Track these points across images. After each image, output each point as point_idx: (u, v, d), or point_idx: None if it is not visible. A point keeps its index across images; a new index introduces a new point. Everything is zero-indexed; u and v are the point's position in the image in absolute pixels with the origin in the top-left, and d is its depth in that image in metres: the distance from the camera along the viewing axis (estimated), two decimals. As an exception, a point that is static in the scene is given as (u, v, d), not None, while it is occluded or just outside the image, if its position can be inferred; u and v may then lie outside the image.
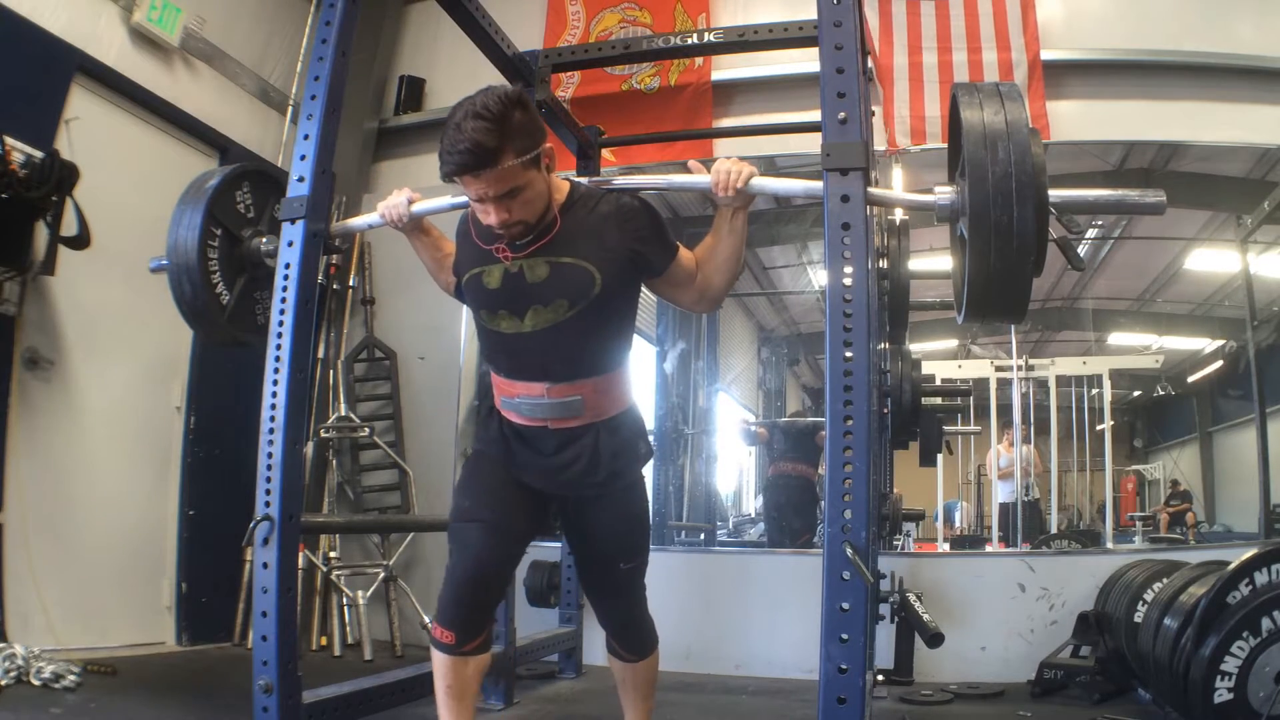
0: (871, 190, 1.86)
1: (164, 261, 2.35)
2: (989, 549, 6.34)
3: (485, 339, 1.99)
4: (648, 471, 6.18)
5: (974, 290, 1.75)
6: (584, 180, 2.05)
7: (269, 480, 2.06)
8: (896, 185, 4.48)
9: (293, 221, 2.16)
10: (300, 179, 2.18)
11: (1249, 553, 2.70)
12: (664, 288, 1.98)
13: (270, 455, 2.08)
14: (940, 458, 4.81)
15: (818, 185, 1.86)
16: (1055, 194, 1.72)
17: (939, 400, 4.43)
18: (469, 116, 1.69)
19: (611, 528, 2.00)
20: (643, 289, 2.03)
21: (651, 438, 5.81)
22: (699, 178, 1.95)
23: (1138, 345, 7.10)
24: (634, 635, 2.12)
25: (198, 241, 2.29)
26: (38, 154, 3.34)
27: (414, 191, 2.12)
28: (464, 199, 2.02)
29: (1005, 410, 6.27)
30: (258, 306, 2.47)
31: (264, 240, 2.39)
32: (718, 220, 1.94)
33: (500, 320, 1.89)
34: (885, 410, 3.65)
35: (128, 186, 3.88)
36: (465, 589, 1.83)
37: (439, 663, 1.87)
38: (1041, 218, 1.67)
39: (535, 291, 1.85)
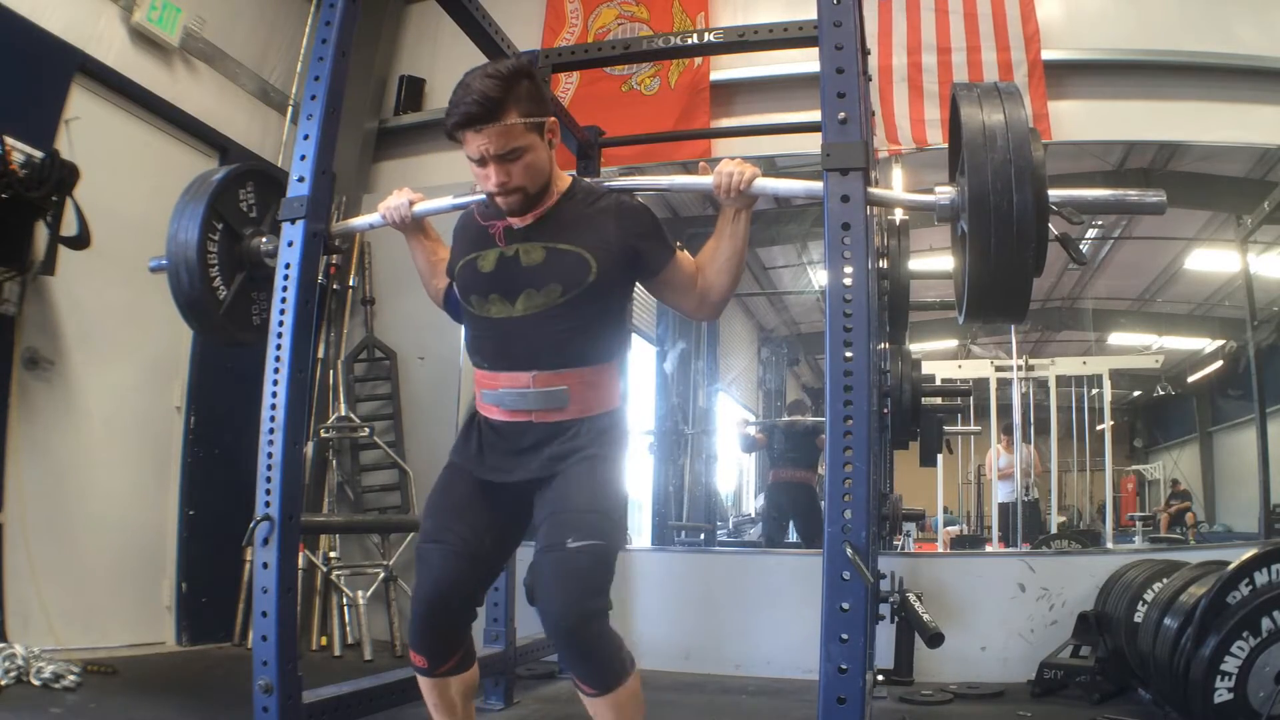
0: (871, 190, 1.86)
1: (163, 261, 2.35)
2: (989, 549, 6.34)
3: (473, 327, 1.94)
4: (648, 473, 6.10)
5: (974, 289, 1.75)
6: (586, 180, 2.06)
7: (269, 480, 2.06)
8: (896, 185, 4.48)
9: (293, 221, 2.16)
10: (300, 179, 2.18)
11: (1249, 553, 2.70)
12: (665, 291, 1.96)
13: (270, 455, 2.08)
14: (940, 457, 4.81)
15: (818, 186, 1.86)
16: (1055, 193, 1.72)
17: (939, 400, 4.42)
18: (477, 77, 1.74)
19: (573, 493, 1.76)
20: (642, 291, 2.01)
21: (651, 438, 5.87)
22: (701, 179, 1.94)
23: (1138, 345, 7.10)
24: (588, 657, 1.68)
25: (198, 233, 2.28)
26: (38, 154, 3.34)
27: (415, 192, 2.12)
28: (465, 199, 2.03)
29: (1005, 410, 6.27)
30: (254, 306, 2.46)
31: (264, 240, 2.38)
32: (720, 221, 1.93)
33: (491, 305, 1.86)
34: (885, 410, 3.65)
35: (128, 186, 3.88)
36: (427, 614, 1.79)
37: (421, 684, 1.86)
38: (1041, 213, 1.68)
39: (529, 275, 1.83)
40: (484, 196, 1.91)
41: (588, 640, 1.67)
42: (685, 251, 1.95)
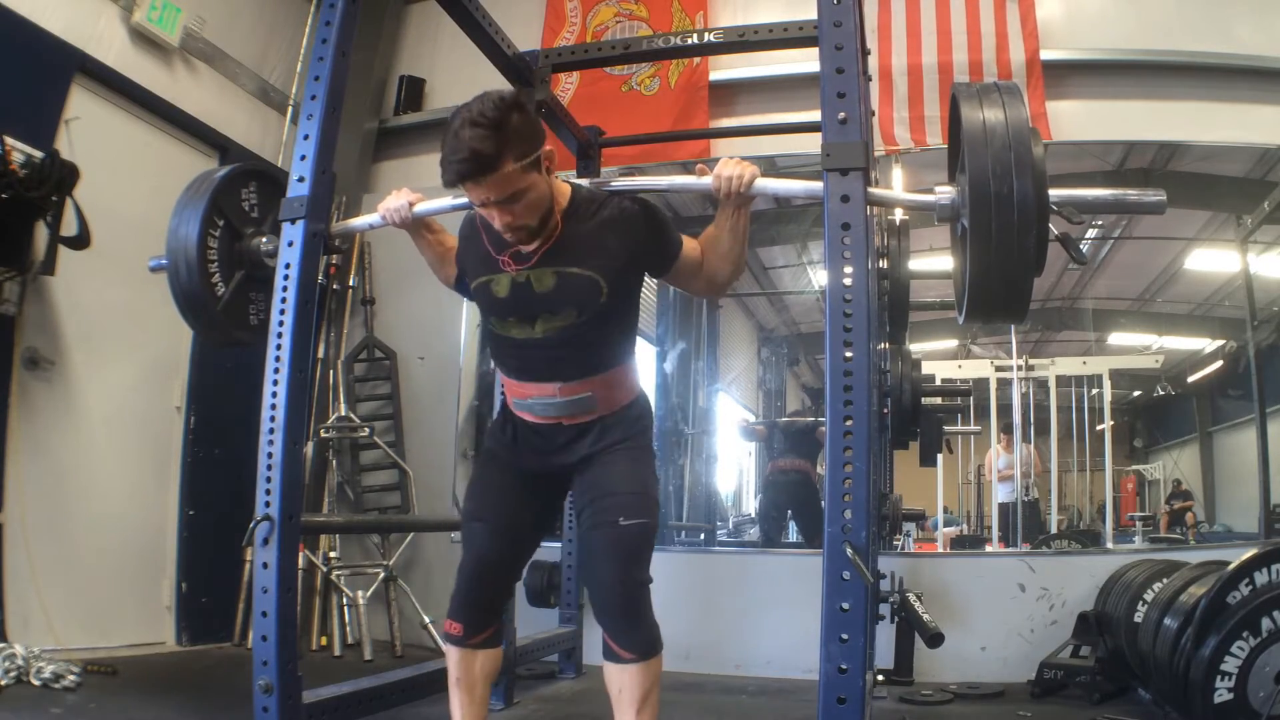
0: (871, 190, 1.85)
1: (163, 261, 2.35)
2: (989, 549, 6.34)
3: (495, 343, 2.05)
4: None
5: (975, 289, 1.75)
6: (585, 182, 2.06)
7: (269, 480, 2.06)
8: (896, 185, 4.48)
9: (293, 221, 2.16)
10: (300, 179, 2.18)
11: (1249, 553, 2.70)
12: (672, 280, 2.05)
13: (270, 455, 2.08)
14: (940, 457, 4.81)
15: (818, 186, 1.86)
16: (1055, 193, 1.72)
17: (939, 400, 4.42)
18: (465, 124, 1.69)
19: (616, 478, 1.91)
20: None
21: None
22: (701, 180, 1.95)
23: (1138, 345, 7.10)
24: (635, 623, 1.85)
25: (199, 229, 2.28)
26: (38, 154, 3.34)
27: (415, 192, 2.13)
28: (465, 199, 2.03)
29: (1005, 410, 6.27)
30: (252, 305, 2.46)
31: (264, 240, 2.38)
32: (719, 216, 1.95)
33: (511, 327, 1.94)
34: (885, 410, 3.65)
35: (128, 186, 3.88)
36: (469, 584, 1.94)
37: (449, 655, 1.97)
38: (1042, 212, 1.68)
39: (544, 301, 1.89)
40: None
41: (636, 605, 1.85)
42: (689, 240, 2.00)
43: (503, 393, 2.11)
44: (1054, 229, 1.74)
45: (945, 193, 1.84)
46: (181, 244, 2.29)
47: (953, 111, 1.88)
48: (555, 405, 1.94)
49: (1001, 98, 1.75)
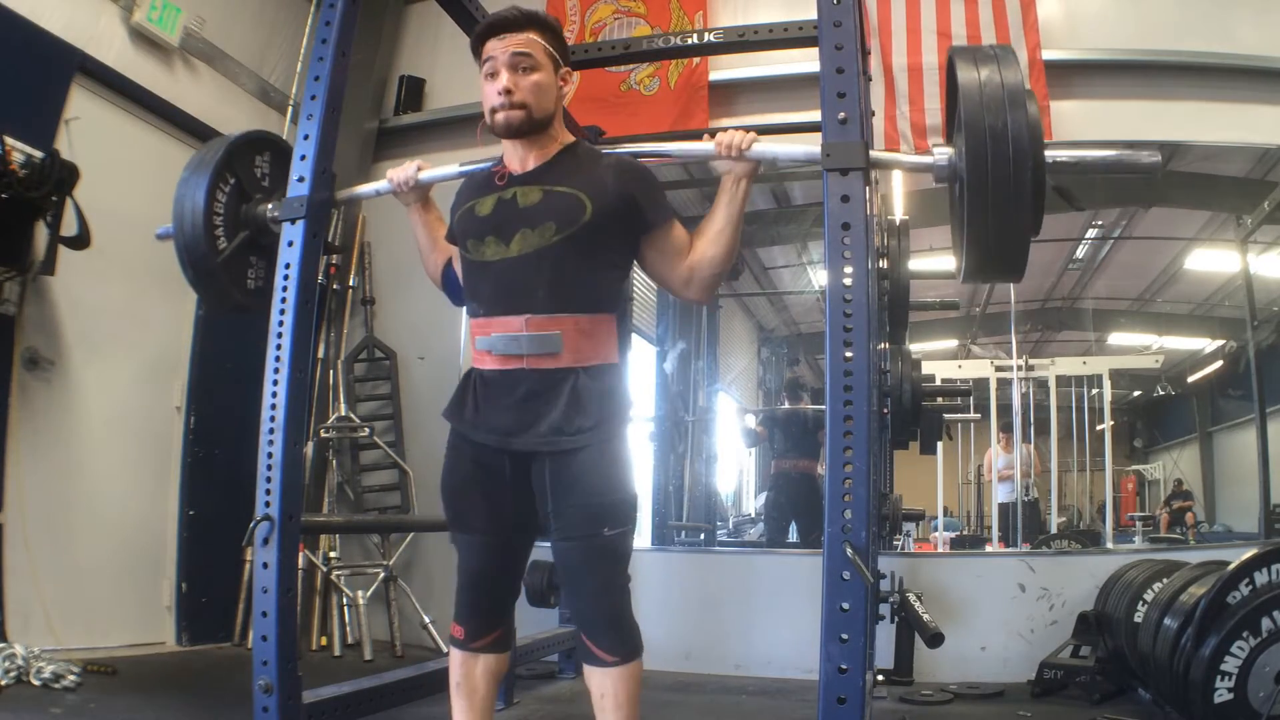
0: (873, 153, 1.87)
1: (170, 229, 2.32)
2: (989, 549, 6.34)
3: (469, 274, 1.94)
4: (647, 472, 6.09)
5: (973, 246, 1.76)
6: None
7: (269, 480, 2.06)
8: (896, 185, 4.48)
9: (293, 221, 2.16)
10: (300, 179, 2.18)
11: (1249, 553, 2.70)
12: (654, 259, 1.94)
13: (270, 455, 2.07)
14: (940, 458, 4.80)
15: (816, 149, 1.86)
16: (1051, 152, 1.76)
17: (939, 400, 4.42)
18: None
19: (595, 482, 1.80)
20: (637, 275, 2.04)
21: (652, 425, 5.84)
22: (703, 145, 1.94)
23: (1138, 345, 7.10)
24: (617, 626, 1.83)
25: (210, 180, 2.25)
26: (38, 154, 3.34)
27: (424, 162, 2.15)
28: (470, 167, 2.05)
29: (1005, 410, 6.27)
30: (251, 270, 2.41)
31: (271, 206, 2.33)
32: (719, 193, 1.92)
33: (487, 248, 1.87)
34: (885, 410, 3.65)
35: (128, 186, 3.88)
36: (467, 593, 1.93)
37: (451, 658, 1.95)
38: (1038, 166, 1.70)
39: (525, 214, 1.86)
40: (489, 165, 1.96)
41: (619, 610, 1.84)
42: (681, 225, 1.95)
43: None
44: (1051, 181, 1.76)
45: (943, 153, 1.85)
46: (191, 192, 2.25)
47: (949, 73, 1.88)
48: (519, 341, 1.81)
49: (997, 61, 1.76)
